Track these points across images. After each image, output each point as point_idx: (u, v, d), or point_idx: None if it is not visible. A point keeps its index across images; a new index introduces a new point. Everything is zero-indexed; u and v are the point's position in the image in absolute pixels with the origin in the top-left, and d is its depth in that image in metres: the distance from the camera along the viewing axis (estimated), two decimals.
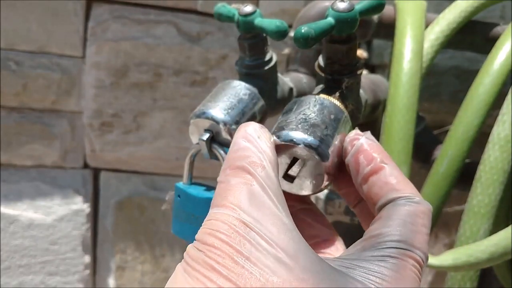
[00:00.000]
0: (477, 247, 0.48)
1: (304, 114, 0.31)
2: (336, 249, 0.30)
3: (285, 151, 0.30)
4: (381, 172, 0.28)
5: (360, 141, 0.30)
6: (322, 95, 0.33)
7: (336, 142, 0.30)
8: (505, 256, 0.48)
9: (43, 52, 0.77)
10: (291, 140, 0.29)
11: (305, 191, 0.31)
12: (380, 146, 0.30)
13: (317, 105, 0.31)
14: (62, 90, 0.78)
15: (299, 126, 0.30)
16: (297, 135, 0.29)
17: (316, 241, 0.31)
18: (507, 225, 0.50)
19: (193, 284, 0.22)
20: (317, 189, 0.31)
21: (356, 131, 0.31)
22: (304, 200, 0.32)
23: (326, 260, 0.24)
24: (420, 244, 0.25)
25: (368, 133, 0.30)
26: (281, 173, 0.30)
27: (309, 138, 0.29)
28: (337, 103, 0.33)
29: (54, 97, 0.78)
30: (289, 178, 0.30)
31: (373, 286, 0.23)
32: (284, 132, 0.30)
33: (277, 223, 0.24)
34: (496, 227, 0.50)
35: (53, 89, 0.78)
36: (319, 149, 0.29)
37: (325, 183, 0.30)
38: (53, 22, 0.76)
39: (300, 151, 0.29)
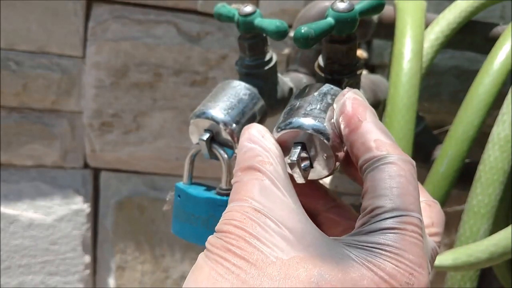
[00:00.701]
0: (477, 247, 0.48)
1: (311, 101, 0.31)
2: None
3: (289, 141, 0.31)
4: (358, 131, 0.28)
5: (342, 100, 0.30)
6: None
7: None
8: (505, 256, 0.48)
9: (43, 52, 0.77)
10: (300, 127, 0.30)
11: (319, 174, 0.31)
12: (361, 100, 0.29)
13: (323, 93, 0.32)
14: (62, 90, 0.79)
15: (308, 112, 0.31)
16: (307, 121, 0.30)
17: None
18: (507, 225, 0.50)
19: (212, 266, 0.24)
20: (330, 170, 0.31)
21: (344, 90, 0.31)
22: (331, 198, 0.33)
23: (331, 238, 0.26)
24: (412, 204, 0.25)
25: (352, 91, 0.30)
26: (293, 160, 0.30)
27: (318, 124, 0.30)
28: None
29: (54, 97, 0.79)
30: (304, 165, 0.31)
31: (377, 259, 0.24)
32: (294, 119, 0.30)
33: (285, 208, 0.26)
34: (496, 227, 0.50)
35: (53, 89, 0.78)
36: (327, 133, 0.30)
37: (334, 167, 0.31)
38: (53, 22, 0.76)
39: (295, 134, 0.30)
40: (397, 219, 0.25)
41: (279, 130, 0.30)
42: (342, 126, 0.29)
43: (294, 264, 0.24)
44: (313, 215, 0.32)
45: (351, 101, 0.29)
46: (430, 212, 0.28)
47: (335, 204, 0.33)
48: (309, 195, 0.33)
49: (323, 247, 0.25)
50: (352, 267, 0.23)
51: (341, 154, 0.30)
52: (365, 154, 0.27)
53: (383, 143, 0.27)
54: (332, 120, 0.30)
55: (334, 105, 0.30)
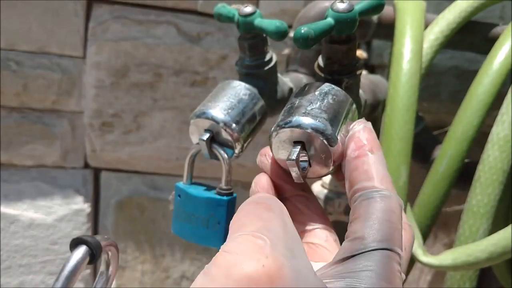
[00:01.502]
0: (476, 246, 0.48)
1: (311, 100, 0.31)
2: (325, 240, 0.31)
3: (288, 139, 0.31)
4: (364, 158, 0.29)
5: (358, 127, 0.30)
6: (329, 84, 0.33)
7: (343, 128, 0.31)
8: (504, 256, 0.48)
9: (44, 52, 0.77)
10: (299, 126, 0.30)
11: (317, 174, 0.32)
12: (374, 136, 0.30)
13: (324, 92, 0.32)
14: (62, 90, 0.79)
15: (308, 111, 0.30)
16: (306, 120, 0.30)
17: (305, 229, 0.31)
18: (506, 225, 0.50)
19: None
20: (328, 169, 0.31)
21: (361, 119, 0.31)
22: (300, 186, 0.33)
23: (320, 275, 0.25)
24: (398, 240, 0.26)
25: (369, 123, 0.31)
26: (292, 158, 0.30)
27: (317, 123, 0.30)
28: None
29: (54, 97, 0.79)
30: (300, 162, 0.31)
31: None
32: (294, 118, 0.30)
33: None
34: (495, 227, 0.50)
35: (53, 89, 0.78)
36: (326, 133, 0.30)
37: (331, 167, 0.31)
38: (53, 22, 0.76)
39: (294, 133, 0.30)
40: (384, 253, 0.26)
41: (278, 128, 0.31)
42: (350, 149, 0.30)
43: None
44: (282, 199, 0.33)
45: (366, 132, 0.30)
46: (404, 236, 0.29)
47: (303, 194, 0.33)
48: (282, 178, 0.33)
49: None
50: None
51: (339, 156, 0.31)
52: (365, 181, 0.28)
53: (386, 179, 0.28)
54: (342, 134, 0.31)
55: (350, 127, 0.31)
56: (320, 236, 0.31)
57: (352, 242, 0.26)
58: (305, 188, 0.33)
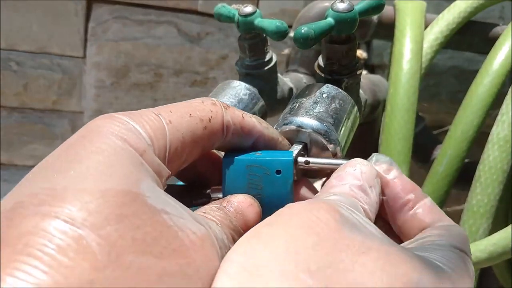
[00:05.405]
0: (476, 246, 0.49)
1: (318, 102, 0.31)
2: None
3: (297, 136, 0.31)
4: (423, 201, 0.28)
5: (394, 173, 0.29)
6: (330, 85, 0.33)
7: (344, 129, 0.31)
8: (504, 256, 0.48)
9: (44, 52, 0.77)
10: (305, 127, 0.30)
11: (316, 174, 0.31)
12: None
13: (332, 96, 0.32)
14: (63, 90, 0.79)
15: (315, 114, 0.31)
16: (313, 122, 0.30)
17: None
18: (506, 225, 0.50)
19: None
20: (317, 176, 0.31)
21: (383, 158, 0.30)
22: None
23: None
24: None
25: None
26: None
27: (324, 127, 0.30)
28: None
29: (55, 97, 0.79)
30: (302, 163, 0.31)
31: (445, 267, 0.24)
32: (299, 118, 0.30)
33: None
34: (495, 227, 0.51)
35: (54, 89, 0.78)
36: (331, 139, 0.30)
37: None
38: (54, 23, 0.76)
39: (295, 133, 0.30)
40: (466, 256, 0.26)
41: (283, 126, 0.31)
42: (400, 193, 0.28)
43: (394, 257, 0.22)
44: None
45: (404, 177, 0.29)
46: None
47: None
48: None
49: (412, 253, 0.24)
50: (444, 275, 0.23)
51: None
52: (439, 221, 0.28)
53: (446, 216, 0.28)
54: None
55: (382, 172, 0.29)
56: None
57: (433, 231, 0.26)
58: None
